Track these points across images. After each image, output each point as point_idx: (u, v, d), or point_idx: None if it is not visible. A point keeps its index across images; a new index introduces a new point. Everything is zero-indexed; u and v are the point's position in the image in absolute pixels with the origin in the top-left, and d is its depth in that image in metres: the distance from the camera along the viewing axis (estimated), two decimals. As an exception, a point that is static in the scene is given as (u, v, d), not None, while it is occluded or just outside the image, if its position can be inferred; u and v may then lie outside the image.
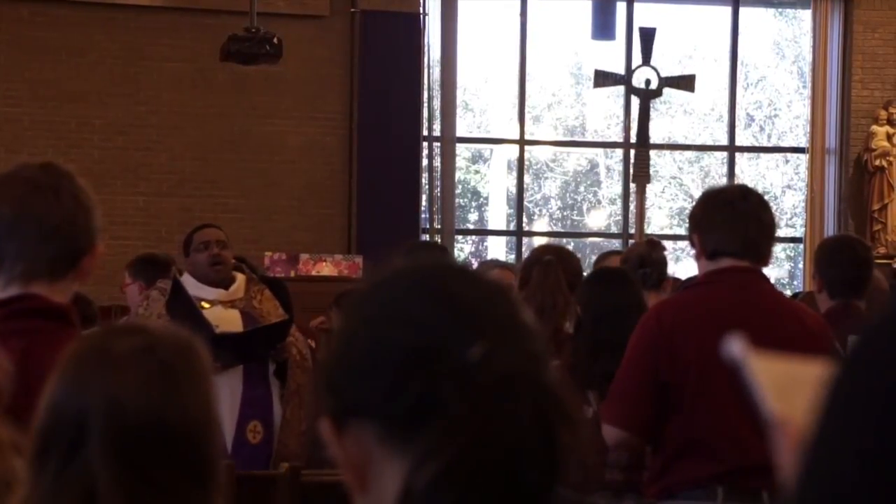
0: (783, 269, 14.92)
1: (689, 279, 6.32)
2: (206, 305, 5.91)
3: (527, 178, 14.26)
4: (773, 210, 4.39)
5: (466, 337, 1.24)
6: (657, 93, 13.16)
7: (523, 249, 13.80)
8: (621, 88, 13.84)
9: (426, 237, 12.75)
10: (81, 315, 7.04)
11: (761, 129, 15.60)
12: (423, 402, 1.22)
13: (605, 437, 4.15)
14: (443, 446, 1.19)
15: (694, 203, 4.42)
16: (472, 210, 15.46)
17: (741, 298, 4.15)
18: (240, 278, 6.08)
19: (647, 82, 13.08)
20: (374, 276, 1.34)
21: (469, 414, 1.20)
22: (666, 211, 15.26)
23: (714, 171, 15.17)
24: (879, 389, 0.88)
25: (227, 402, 5.67)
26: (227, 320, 5.81)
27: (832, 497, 0.88)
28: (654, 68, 13.09)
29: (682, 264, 13.49)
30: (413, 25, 12.92)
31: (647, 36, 13.07)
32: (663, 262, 5.94)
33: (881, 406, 0.87)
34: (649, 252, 5.85)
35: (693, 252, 4.34)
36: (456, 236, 13.47)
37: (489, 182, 15.15)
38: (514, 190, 14.04)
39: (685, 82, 13.26)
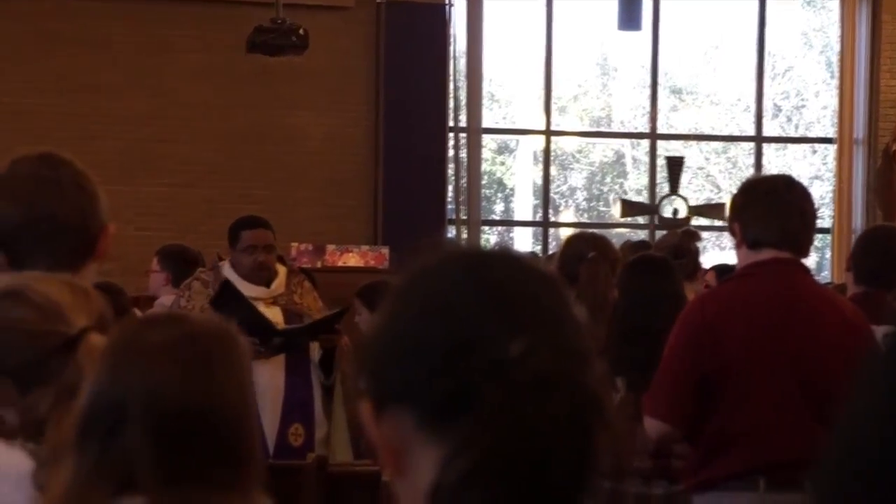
0: (810, 260, 14.82)
1: (719, 266, 6.24)
2: None
3: (553, 169, 14.21)
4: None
5: (507, 331, 1.22)
6: (686, 221, 12.95)
7: (550, 240, 13.77)
8: (647, 78, 13.79)
9: (452, 228, 12.73)
10: (114, 305, 7.07)
11: (788, 119, 15.53)
12: (459, 394, 1.21)
13: (647, 430, 4.13)
14: (475, 442, 1.18)
15: (736, 191, 4.37)
16: (497, 201, 15.43)
17: (783, 290, 4.12)
18: (281, 273, 6.04)
19: (675, 212, 12.97)
20: (421, 261, 1.32)
21: (503, 411, 1.18)
22: (693, 201, 15.19)
23: (741, 162, 15.11)
24: None
25: (269, 404, 5.66)
26: (270, 317, 5.79)
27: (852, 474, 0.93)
28: (682, 197, 12.99)
29: (709, 255, 13.42)
30: (438, 16, 12.89)
31: (675, 165, 12.96)
32: (697, 253, 5.88)
33: None
34: (685, 242, 5.78)
35: (732, 242, 4.31)
36: (482, 227, 13.44)
37: (515, 173, 15.12)
38: (540, 181, 14.00)
39: (714, 210, 13.09)
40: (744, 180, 4.40)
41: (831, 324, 4.10)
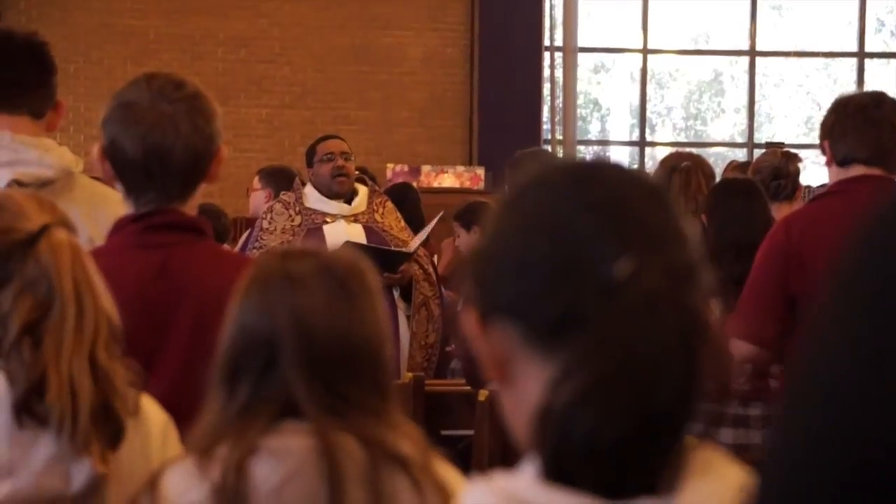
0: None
1: (821, 187, 6.13)
2: (330, 220, 5.92)
3: (650, 88, 14.09)
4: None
5: (616, 250, 1.20)
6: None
7: (646, 159, 13.68)
8: (747, -5, 13.60)
9: (548, 147, 12.69)
10: (216, 227, 7.14)
11: (892, 34, 15.21)
12: (567, 314, 1.20)
13: (733, 352, 4.08)
14: (583, 365, 1.17)
15: (826, 110, 4.31)
16: (593, 120, 15.33)
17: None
18: (362, 191, 6.06)
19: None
20: (526, 172, 1.30)
21: (611, 333, 1.18)
22: (794, 119, 14.97)
23: (843, 79, 14.85)
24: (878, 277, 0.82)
25: None
26: (351, 235, 5.81)
27: (825, 388, 0.83)
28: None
29: (809, 172, 13.24)
30: (534, -67, 12.77)
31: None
32: (797, 174, 5.81)
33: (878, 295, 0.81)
34: (785, 163, 5.71)
35: (824, 160, 4.25)
36: (578, 146, 13.38)
37: (611, 93, 15.00)
38: (636, 100, 13.88)
39: None
40: (834, 98, 4.31)
41: None
